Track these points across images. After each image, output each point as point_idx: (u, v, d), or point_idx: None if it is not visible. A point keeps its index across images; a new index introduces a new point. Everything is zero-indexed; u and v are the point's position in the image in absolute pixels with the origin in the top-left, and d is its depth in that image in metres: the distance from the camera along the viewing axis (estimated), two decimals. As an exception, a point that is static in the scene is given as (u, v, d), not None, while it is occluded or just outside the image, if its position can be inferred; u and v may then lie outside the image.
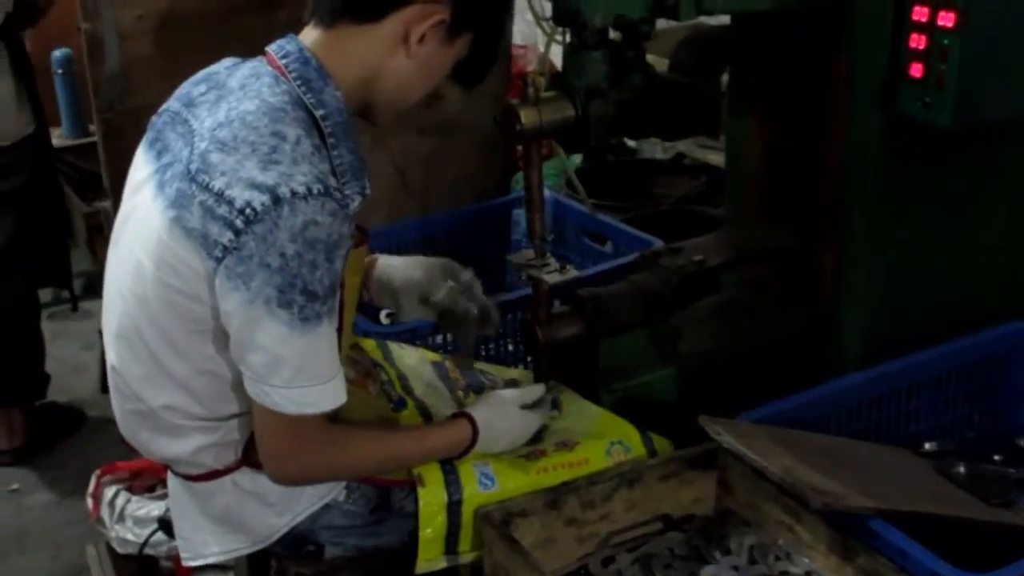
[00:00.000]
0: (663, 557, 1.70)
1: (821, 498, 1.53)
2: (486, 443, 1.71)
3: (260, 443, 1.57)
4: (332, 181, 1.48)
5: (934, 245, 2.06)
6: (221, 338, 1.53)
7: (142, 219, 1.55)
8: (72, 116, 3.97)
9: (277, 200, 1.41)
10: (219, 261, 1.44)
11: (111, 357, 1.65)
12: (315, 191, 1.42)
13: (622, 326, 1.95)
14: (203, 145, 1.48)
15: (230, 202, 1.42)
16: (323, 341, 1.49)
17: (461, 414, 1.72)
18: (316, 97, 1.53)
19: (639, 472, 1.74)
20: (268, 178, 1.42)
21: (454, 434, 1.70)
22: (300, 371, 1.48)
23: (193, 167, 1.47)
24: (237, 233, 1.42)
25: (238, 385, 1.56)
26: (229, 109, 1.50)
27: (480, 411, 1.72)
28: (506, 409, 1.74)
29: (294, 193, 1.41)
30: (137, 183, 1.61)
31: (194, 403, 1.60)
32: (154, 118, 1.65)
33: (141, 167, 1.61)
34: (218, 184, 1.44)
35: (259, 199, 1.41)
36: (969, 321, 2.05)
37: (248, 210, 1.41)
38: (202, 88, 1.59)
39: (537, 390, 1.80)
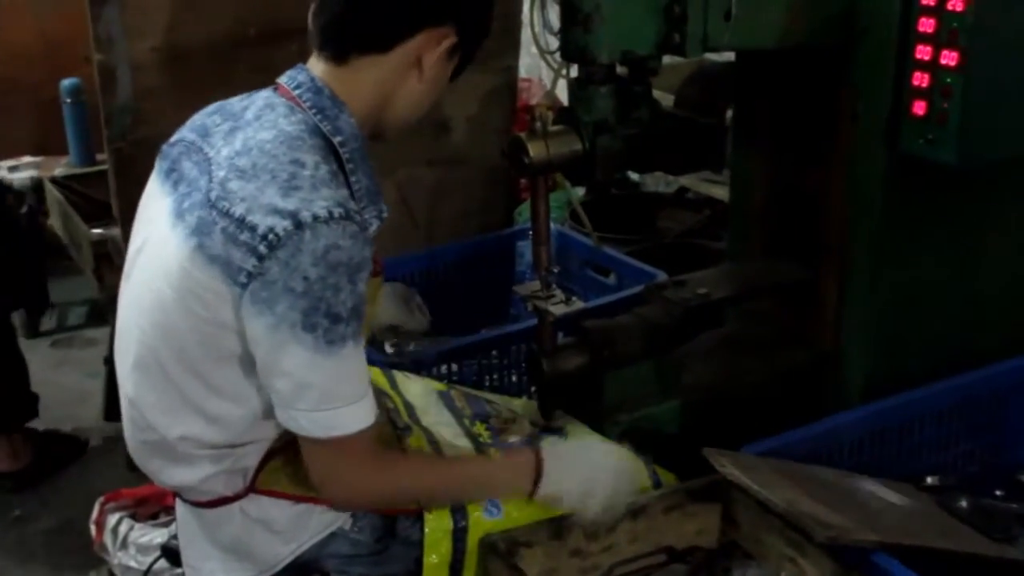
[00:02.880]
0: (667, 589, 1.71)
1: (825, 531, 1.54)
2: (555, 483, 1.68)
3: (312, 473, 1.58)
4: (352, 204, 1.49)
5: (937, 281, 2.08)
6: (247, 363, 1.54)
7: (159, 249, 1.56)
8: (79, 145, 3.98)
9: (299, 225, 1.43)
10: (244, 287, 1.45)
11: (127, 388, 1.65)
12: (336, 215, 1.44)
13: (626, 358, 1.96)
14: (222, 173, 1.50)
15: (252, 228, 1.44)
16: (349, 363, 1.50)
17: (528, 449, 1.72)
18: (332, 124, 1.55)
19: (643, 504, 1.75)
20: (289, 204, 1.44)
21: (516, 467, 1.70)
22: (327, 394, 1.49)
23: (213, 195, 1.49)
24: (261, 259, 1.43)
25: (260, 412, 1.57)
26: (246, 139, 1.52)
27: (550, 449, 1.72)
28: (586, 446, 1.74)
29: (315, 217, 1.43)
30: (151, 214, 1.62)
31: (211, 430, 1.60)
32: (166, 148, 1.66)
33: (156, 198, 1.62)
34: (239, 210, 1.45)
35: (281, 224, 1.43)
36: (972, 357, 2.06)
37: (271, 236, 1.43)
38: (216, 119, 1.61)
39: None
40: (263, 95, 1.61)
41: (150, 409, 1.62)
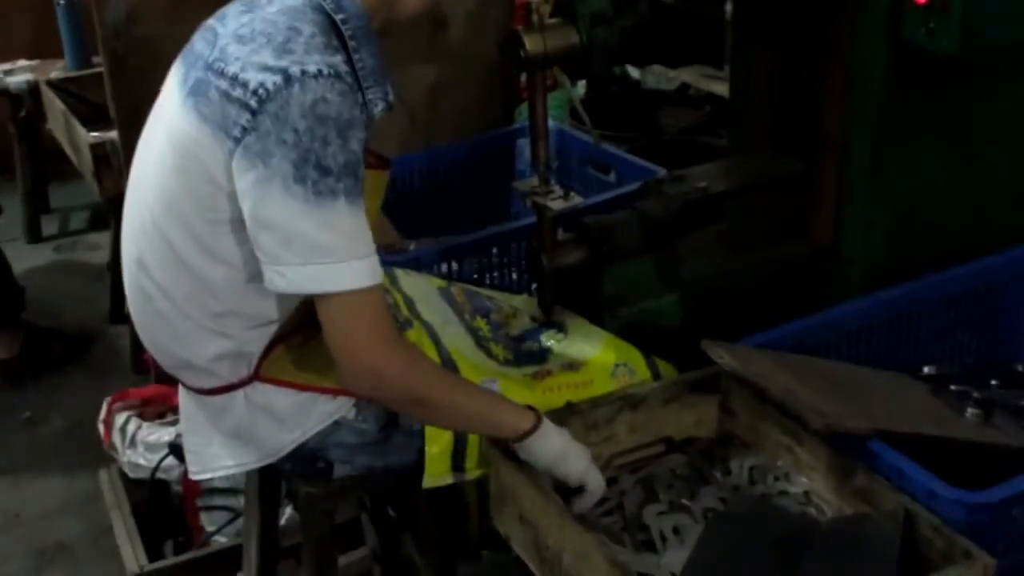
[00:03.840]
0: (665, 478, 1.73)
1: (821, 419, 1.56)
2: (544, 439, 1.63)
3: (328, 339, 1.55)
4: (345, 69, 1.51)
5: (937, 175, 2.07)
6: (238, 226, 1.54)
7: (166, 115, 1.60)
8: (75, 48, 3.94)
9: (288, 79, 1.45)
10: (238, 141, 1.48)
11: (133, 251, 1.67)
12: (325, 72, 1.47)
13: (626, 253, 1.97)
14: (224, 42, 1.55)
15: (244, 84, 1.47)
16: (340, 218, 1.48)
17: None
18: (335, 3, 1.56)
19: (642, 395, 1.77)
20: (281, 62, 1.47)
21: (519, 410, 1.65)
22: (316, 247, 1.48)
23: (211, 58, 1.54)
24: (253, 113, 1.46)
25: (251, 280, 1.58)
26: (253, 15, 1.56)
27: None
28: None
29: (304, 72, 1.46)
30: (166, 91, 1.65)
31: (211, 297, 1.61)
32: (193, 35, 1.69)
33: (171, 76, 1.66)
34: (233, 69, 1.50)
35: (271, 79, 1.46)
36: (971, 251, 2.07)
37: (261, 90, 1.46)
38: (238, 5, 1.63)
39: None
40: None
41: (154, 270, 1.64)
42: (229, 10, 1.64)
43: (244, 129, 1.47)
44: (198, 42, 1.63)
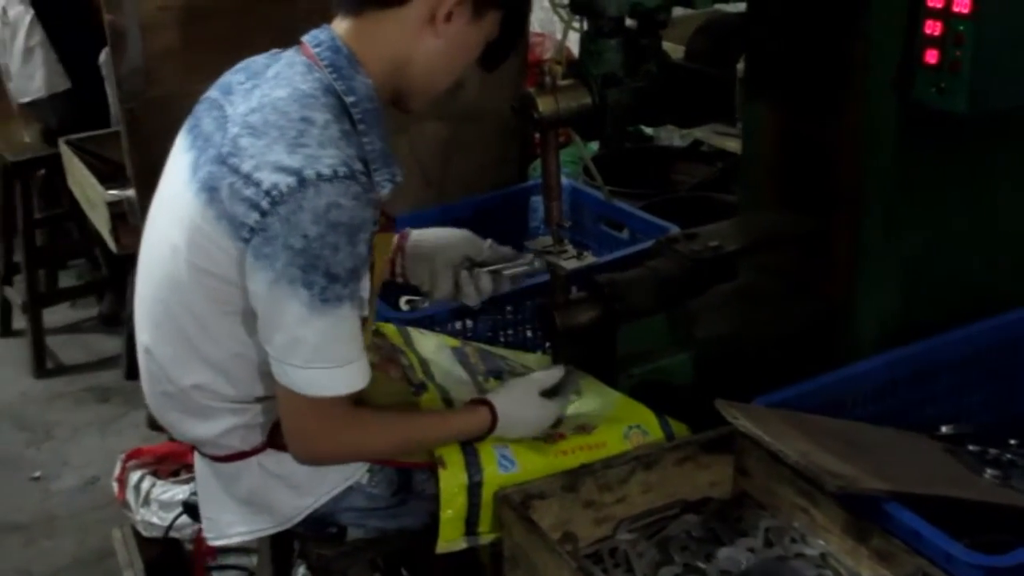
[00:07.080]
0: (680, 540, 1.72)
1: (836, 481, 1.55)
2: (504, 430, 1.72)
3: (284, 424, 1.60)
4: (358, 165, 1.50)
5: (949, 231, 2.07)
6: (251, 320, 1.55)
7: (176, 202, 1.59)
8: (94, 107, 3.99)
9: (303, 182, 1.44)
10: (247, 242, 1.47)
11: (144, 339, 1.68)
12: (340, 173, 1.45)
13: (639, 311, 1.97)
14: (235, 130, 1.52)
15: (257, 184, 1.46)
16: (343, 324, 1.51)
17: (481, 401, 1.74)
18: (346, 84, 1.56)
19: (656, 455, 1.76)
20: (295, 161, 1.45)
21: (473, 421, 1.71)
22: (318, 352, 1.50)
23: (224, 150, 1.51)
24: (263, 214, 1.45)
25: (266, 367, 1.59)
26: (262, 96, 1.54)
27: (500, 399, 1.73)
28: (526, 397, 1.75)
29: (319, 175, 1.44)
30: (174, 168, 1.65)
31: (224, 384, 1.63)
32: (196, 106, 1.68)
33: (178, 153, 1.65)
34: (247, 167, 1.48)
35: (285, 181, 1.44)
36: (985, 307, 2.05)
37: (275, 192, 1.45)
38: (240, 77, 1.63)
39: (556, 373, 1.81)
40: (287, 54, 1.62)
41: (165, 360, 1.65)
42: (233, 81, 1.63)
43: (252, 230, 1.46)
44: (205, 119, 1.61)
